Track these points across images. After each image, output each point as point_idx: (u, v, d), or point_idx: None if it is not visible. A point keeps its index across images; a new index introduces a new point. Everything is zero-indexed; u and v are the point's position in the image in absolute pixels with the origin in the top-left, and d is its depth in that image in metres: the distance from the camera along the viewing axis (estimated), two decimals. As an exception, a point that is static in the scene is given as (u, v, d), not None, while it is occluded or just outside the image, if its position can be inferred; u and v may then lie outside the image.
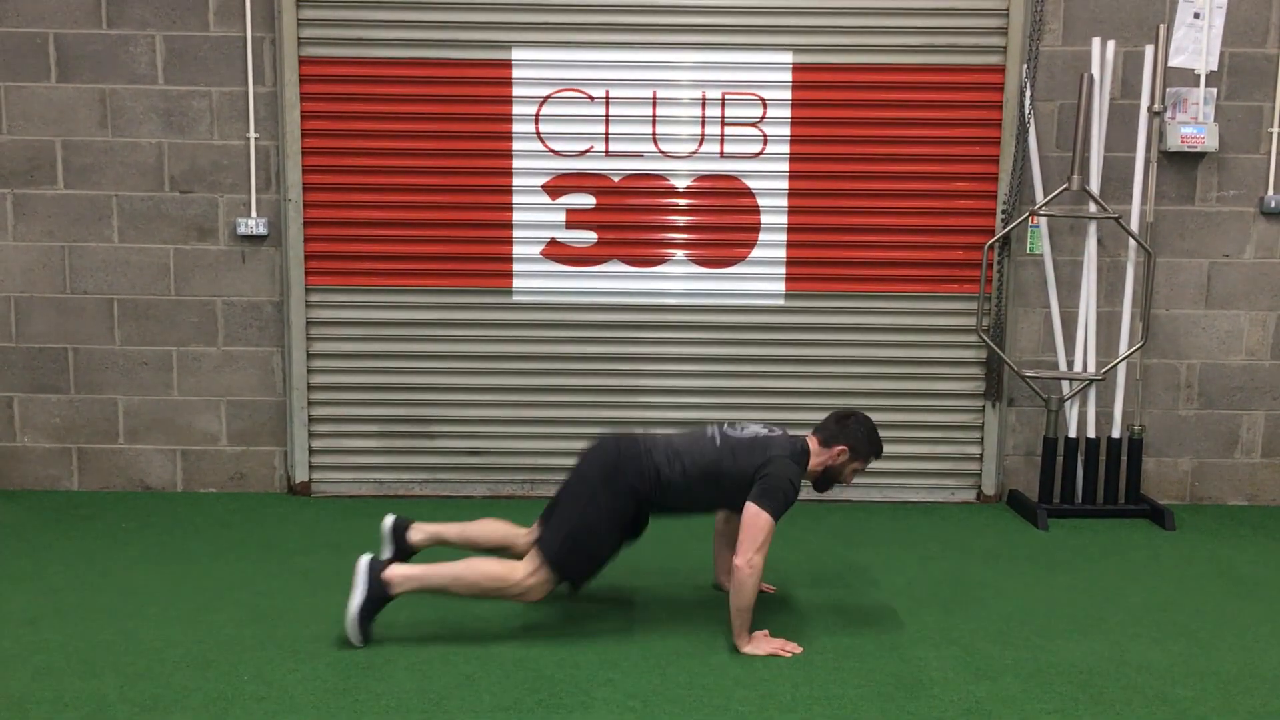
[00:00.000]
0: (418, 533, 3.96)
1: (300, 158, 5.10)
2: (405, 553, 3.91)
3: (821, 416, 5.27)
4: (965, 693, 3.33)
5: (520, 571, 3.60)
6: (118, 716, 3.11)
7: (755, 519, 3.53)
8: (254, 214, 5.14)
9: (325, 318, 5.23)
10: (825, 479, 3.81)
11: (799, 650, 3.60)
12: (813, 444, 3.78)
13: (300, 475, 5.29)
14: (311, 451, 5.31)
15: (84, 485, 5.32)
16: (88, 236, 5.15)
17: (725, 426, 3.79)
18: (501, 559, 3.72)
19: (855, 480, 3.90)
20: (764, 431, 3.76)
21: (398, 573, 3.59)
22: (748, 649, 3.59)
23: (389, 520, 3.98)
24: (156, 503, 5.16)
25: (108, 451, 5.29)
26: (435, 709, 3.17)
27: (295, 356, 5.21)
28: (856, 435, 3.76)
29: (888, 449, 5.28)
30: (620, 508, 3.65)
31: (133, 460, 5.31)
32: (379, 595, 3.57)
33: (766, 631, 3.68)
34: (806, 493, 5.29)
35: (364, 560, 3.60)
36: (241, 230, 5.13)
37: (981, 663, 3.54)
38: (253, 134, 5.09)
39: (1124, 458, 5.20)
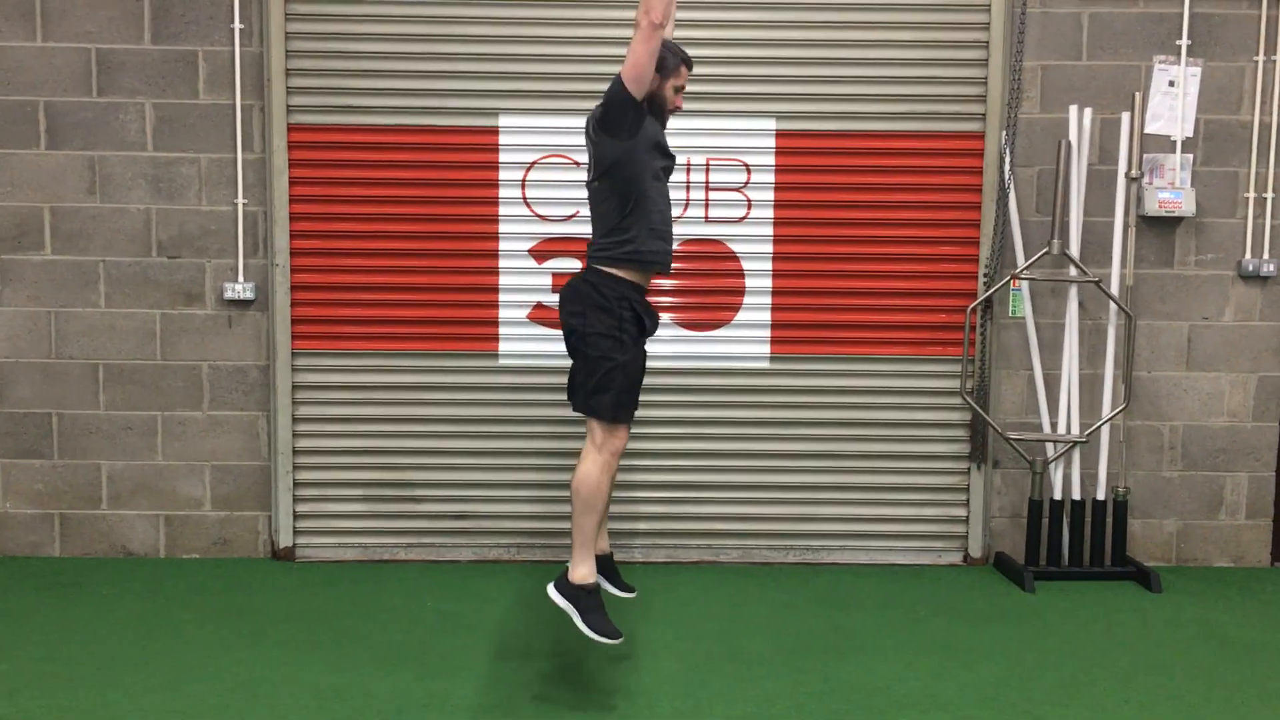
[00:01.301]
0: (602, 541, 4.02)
1: (288, 223, 5.13)
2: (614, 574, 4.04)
3: (808, 479, 5.33)
4: (954, 759, 3.31)
5: (587, 461, 3.68)
6: (97, 789, 3.06)
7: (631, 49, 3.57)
8: (241, 279, 5.16)
9: (311, 381, 5.23)
10: (657, 110, 3.81)
11: None
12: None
13: (285, 540, 5.26)
14: (296, 516, 5.28)
15: (66, 551, 5.27)
16: (74, 302, 5.16)
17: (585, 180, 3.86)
18: (581, 460, 3.74)
19: (683, 102, 3.90)
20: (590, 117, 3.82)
21: (571, 571, 3.69)
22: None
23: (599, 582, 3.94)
24: (139, 569, 5.11)
25: (90, 517, 5.26)
26: (420, 779, 3.14)
27: (281, 420, 5.20)
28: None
29: (874, 512, 5.36)
30: (612, 328, 3.68)
31: (115, 526, 5.27)
32: (584, 596, 3.65)
33: None
34: (789, 556, 5.31)
35: (550, 587, 3.70)
36: (229, 295, 5.14)
37: (970, 729, 3.53)
38: (241, 200, 5.12)
39: (1109, 519, 5.21)
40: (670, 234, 3.85)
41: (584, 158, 5.14)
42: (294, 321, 5.19)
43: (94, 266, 5.15)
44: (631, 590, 4.09)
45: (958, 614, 4.67)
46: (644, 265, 3.76)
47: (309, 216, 5.16)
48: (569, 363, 5.22)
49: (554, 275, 5.22)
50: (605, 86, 5.08)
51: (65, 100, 5.07)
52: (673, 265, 5.16)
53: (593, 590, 3.67)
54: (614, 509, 5.13)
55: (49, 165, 5.10)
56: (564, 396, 5.21)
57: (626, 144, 3.66)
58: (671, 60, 3.78)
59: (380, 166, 5.16)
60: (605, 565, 3.95)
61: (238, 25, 5.04)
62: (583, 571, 3.67)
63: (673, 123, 5.14)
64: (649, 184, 3.73)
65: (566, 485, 5.18)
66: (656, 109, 3.81)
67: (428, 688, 3.77)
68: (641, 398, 5.24)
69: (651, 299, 5.19)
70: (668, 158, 3.83)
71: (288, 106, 5.10)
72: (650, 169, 3.74)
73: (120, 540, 5.27)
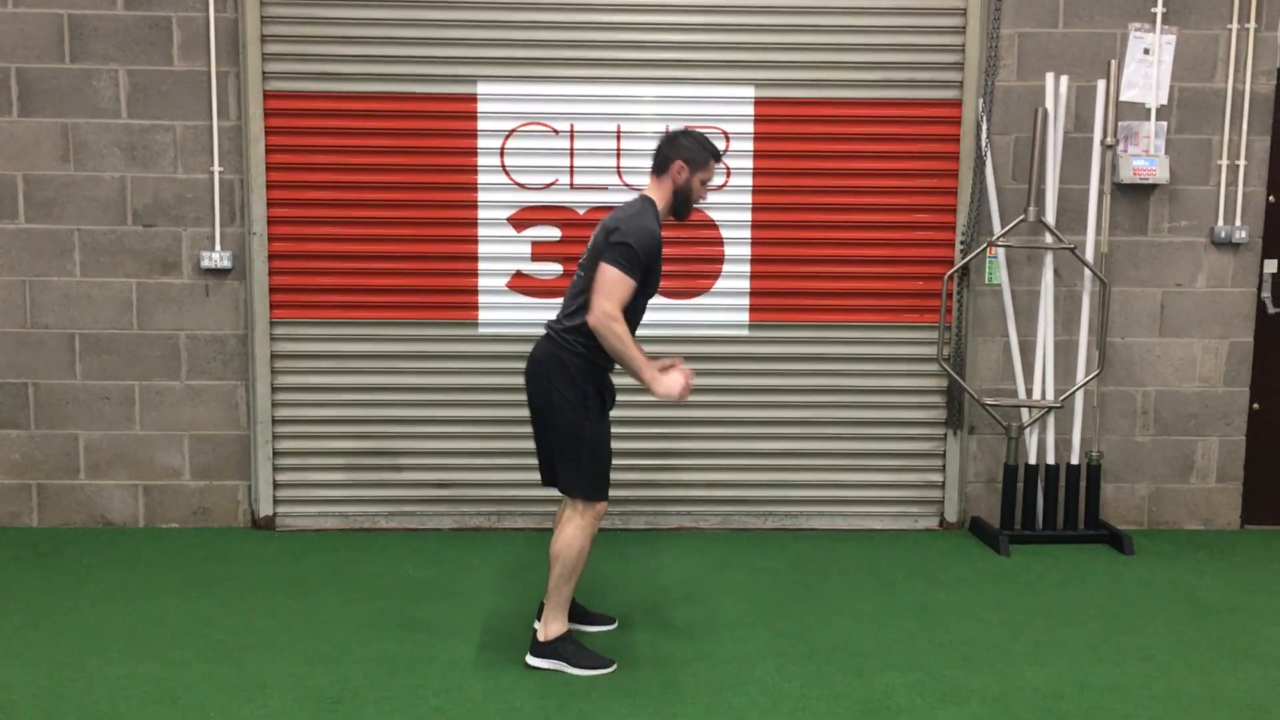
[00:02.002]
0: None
1: (265, 191, 5.11)
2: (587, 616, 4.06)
3: (786, 446, 5.37)
4: (931, 718, 3.37)
5: (570, 526, 3.67)
6: (83, 756, 3.08)
7: (601, 273, 3.53)
8: (218, 247, 5.13)
9: (290, 350, 5.22)
10: (681, 203, 3.78)
11: (692, 375, 3.68)
12: (651, 184, 3.77)
13: (265, 509, 5.26)
14: (276, 485, 5.28)
15: (44, 522, 5.26)
16: (49, 271, 5.12)
17: (580, 260, 3.79)
18: (561, 524, 3.74)
19: (706, 195, 3.88)
20: (608, 221, 3.73)
21: (543, 630, 3.72)
22: (659, 389, 3.62)
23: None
24: (118, 539, 5.11)
25: (68, 487, 5.24)
26: (405, 743, 3.17)
27: (260, 390, 5.19)
28: (686, 146, 3.74)
29: (851, 478, 5.40)
30: (578, 402, 3.66)
31: (94, 496, 5.26)
32: (561, 647, 3.69)
33: (677, 361, 3.77)
34: (768, 522, 5.36)
35: (529, 659, 3.72)
36: (205, 264, 5.11)
37: (947, 688, 3.58)
38: (217, 168, 5.09)
39: (1083, 483, 5.28)
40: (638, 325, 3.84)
41: (563, 125, 5.17)
42: (272, 290, 5.17)
43: (69, 235, 5.11)
44: (612, 621, 4.10)
45: (934, 577, 4.73)
46: (605, 357, 3.71)
47: (286, 185, 5.13)
48: (549, 330, 5.25)
49: (533, 243, 5.22)
50: (581, 54, 5.12)
51: (37, 67, 5.01)
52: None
53: (567, 637, 3.70)
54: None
55: (22, 133, 5.05)
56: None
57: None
58: (701, 155, 3.76)
59: (358, 134, 5.13)
60: (576, 610, 3.95)
61: (212, -9, 5.00)
62: (555, 629, 3.70)
63: (651, 90, 5.17)
64: (636, 295, 3.70)
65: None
66: (681, 201, 3.78)
67: (411, 652, 3.80)
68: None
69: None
70: (656, 285, 3.80)
71: (263, 73, 5.06)
72: (642, 291, 3.72)
73: (99, 510, 5.26)
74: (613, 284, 3.53)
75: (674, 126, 5.10)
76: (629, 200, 3.82)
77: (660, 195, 3.74)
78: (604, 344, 3.57)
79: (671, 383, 3.63)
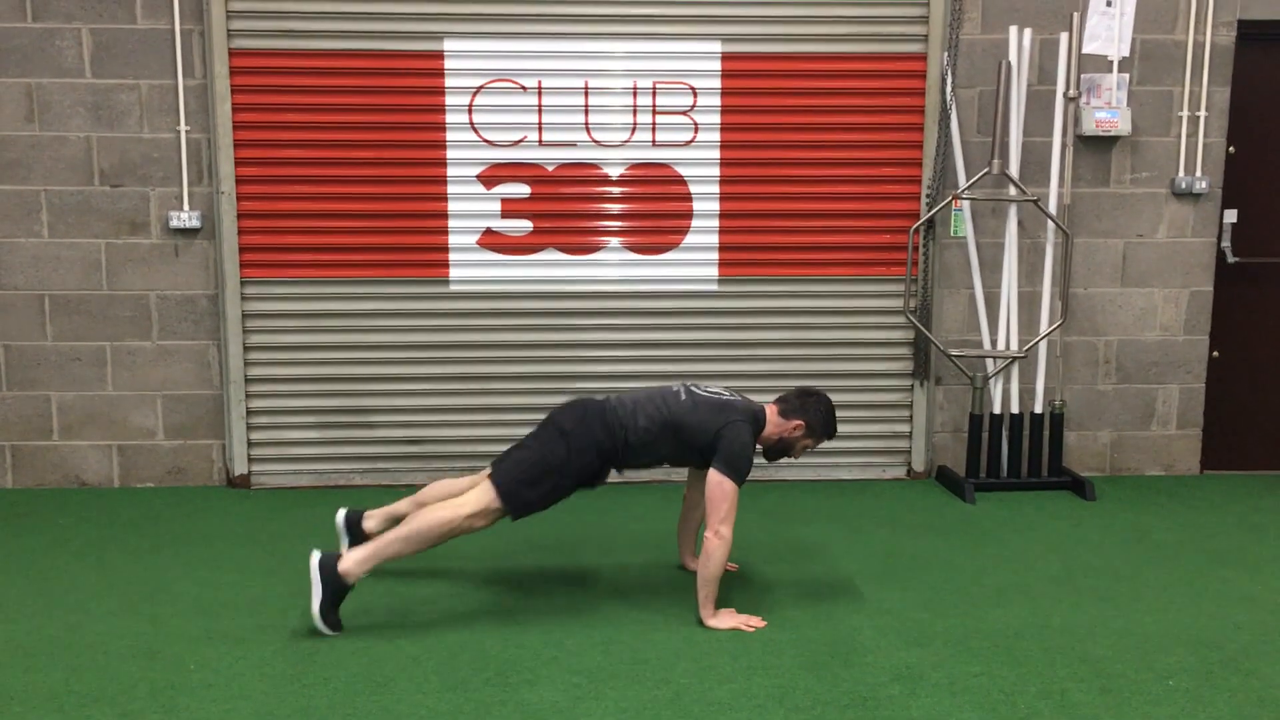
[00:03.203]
0: (371, 520, 4.05)
1: (232, 150, 5.10)
2: (359, 540, 3.96)
3: (756, 398, 5.42)
4: (896, 659, 3.46)
5: (468, 505, 3.64)
6: (65, 707, 3.12)
7: (719, 487, 3.63)
8: (186, 207, 5.13)
9: (261, 310, 5.24)
10: (777, 449, 3.92)
11: (762, 624, 3.70)
12: (770, 412, 3.88)
13: (239, 468, 5.30)
14: (250, 444, 5.31)
15: (18, 483, 5.28)
16: (16, 232, 5.11)
17: (692, 384, 3.89)
18: (445, 502, 3.74)
19: (802, 457, 4.01)
20: (727, 395, 3.86)
21: (351, 560, 3.62)
22: (712, 623, 3.69)
23: (341, 514, 4.05)
24: (93, 499, 5.14)
25: (42, 448, 5.26)
26: (383, 691, 3.23)
27: (232, 349, 5.21)
28: (815, 413, 3.87)
29: (821, 428, 5.45)
30: (582, 460, 3.71)
31: (68, 456, 5.27)
32: (338, 589, 3.61)
33: (733, 609, 3.78)
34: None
35: (315, 558, 3.61)
36: (174, 224, 5.11)
37: (912, 630, 3.68)
38: (183, 127, 5.07)
39: (1046, 432, 5.38)
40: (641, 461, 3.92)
41: (530, 82, 5.17)
42: (242, 250, 5.18)
43: (35, 196, 5.09)
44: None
45: (901, 525, 4.83)
46: (620, 453, 3.80)
47: (254, 144, 5.13)
48: (520, 288, 5.32)
49: (503, 200, 5.24)
50: (548, 10, 5.11)
51: (0, 26, 4.98)
52: (621, 189, 5.24)
53: (345, 589, 3.62)
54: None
55: (-15, 93, 5.02)
56: (514, 320, 5.31)
57: None
58: (821, 430, 3.88)
59: (325, 92, 5.12)
60: (364, 536, 3.98)
61: (174, -52, 4.96)
62: (350, 573, 3.60)
63: (619, 46, 5.19)
64: (673, 453, 3.84)
65: (518, 409, 5.28)
66: (779, 450, 3.91)
67: (387, 604, 3.86)
68: (593, 321, 5.34)
69: (598, 223, 5.28)
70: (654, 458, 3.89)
71: (228, 31, 5.04)
72: (682, 459, 3.88)
73: (73, 471, 5.28)
74: (732, 501, 3.64)
75: (641, 84, 5.17)
76: (743, 401, 3.87)
77: (770, 429, 3.85)
78: (708, 561, 3.65)
79: (725, 620, 3.71)
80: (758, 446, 3.84)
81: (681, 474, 5.41)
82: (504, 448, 5.20)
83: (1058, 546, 4.56)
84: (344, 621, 3.68)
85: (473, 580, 4.12)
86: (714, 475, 3.65)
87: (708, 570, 3.67)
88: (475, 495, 3.68)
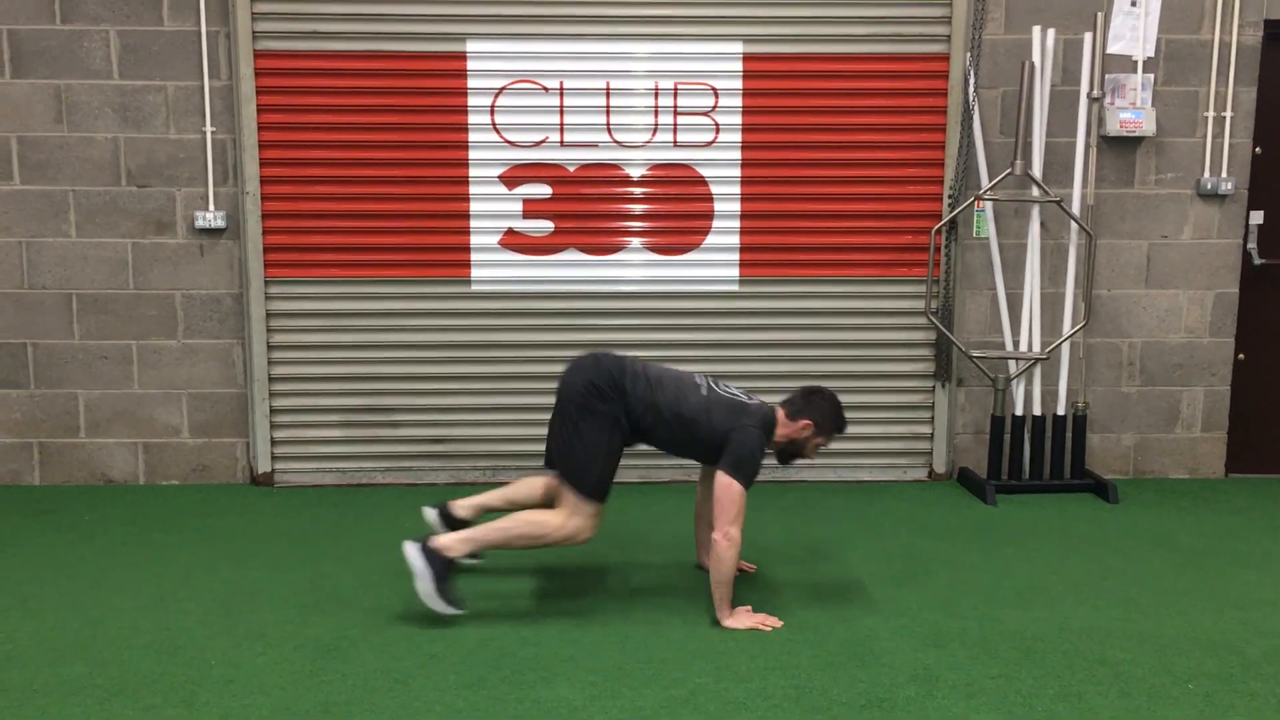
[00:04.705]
0: (462, 509, 4.08)
1: (257, 150, 5.14)
2: (457, 529, 4.00)
3: (775, 399, 5.42)
4: (914, 660, 3.46)
5: (557, 518, 3.71)
6: (87, 701, 3.16)
7: (728, 490, 3.63)
8: (212, 207, 5.18)
9: (285, 309, 5.28)
10: (788, 452, 3.91)
11: (779, 624, 3.71)
12: (780, 415, 3.88)
13: (263, 466, 5.34)
14: (274, 442, 5.36)
15: (46, 480, 5.34)
16: (45, 232, 5.17)
17: (713, 381, 3.91)
18: (544, 509, 3.81)
19: (816, 457, 4.01)
20: (743, 398, 3.87)
21: (448, 539, 3.70)
22: (729, 622, 3.70)
23: (430, 511, 4.09)
24: (119, 495, 5.19)
25: (69, 446, 5.32)
26: (401, 688, 3.25)
27: (256, 348, 5.25)
28: (822, 410, 3.86)
29: (840, 430, 5.44)
30: (607, 426, 3.72)
31: (94, 454, 5.33)
32: (442, 565, 3.66)
33: (749, 607, 3.79)
34: (764, 473, 5.43)
35: (411, 547, 3.67)
36: (200, 223, 5.16)
37: (930, 632, 3.67)
38: (209, 128, 5.12)
39: (1069, 434, 5.35)
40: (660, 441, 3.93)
41: (552, 83, 5.19)
42: (266, 249, 5.22)
43: (64, 196, 5.15)
44: (479, 557, 4.04)
45: (921, 526, 4.82)
46: (640, 423, 3.81)
47: (278, 144, 5.17)
48: (541, 288, 5.33)
49: (524, 201, 5.26)
50: (571, 11, 5.12)
51: (29, 28, 5.03)
52: (642, 190, 5.25)
53: (451, 564, 3.68)
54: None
55: (14, 94, 5.08)
56: (536, 320, 5.33)
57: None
58: (830, 426, 3.85)
59: (349, 93, 5.16)
60: (458, 523, 4.04)
61: (201, -50, 5.01)
62: (452, 551, 3.67)
63: (641, 47, 5.20)
64: (687, 444, 3.86)
65: (540, 408, 5.29)
66: (790, 452, 3.89)
67: (406, 602, 3.88)
68: (614, 321, 5.36)
69: (619, 223, 5.29)
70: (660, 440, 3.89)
71: (254, 33, 5.08)
72: (690, 452, 3.90)
73: (100, 468, 5.34)
74: (739, 504, 3.64)
75: (663, 85, 5.18)
76: (756, 403, 3.86)
77: (780, 432, 3.83)
78: (718, 563, 3.66)
79: (742, 619, 3.72)
80: (769, 450, 3.83)
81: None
82: (525, 447, 5.30)
83: (1079, 549, 4.53)
84: (361, 618, 3.71)
85: (491, 578, 4.14)
86: (722, 478, 3.66)
87: (720, 572, 3.68)
88: (562, 511, 3.71)
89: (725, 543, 3.63)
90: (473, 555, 3.79)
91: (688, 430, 3.76)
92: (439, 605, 3.65)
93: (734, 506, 3.63)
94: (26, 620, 3.75)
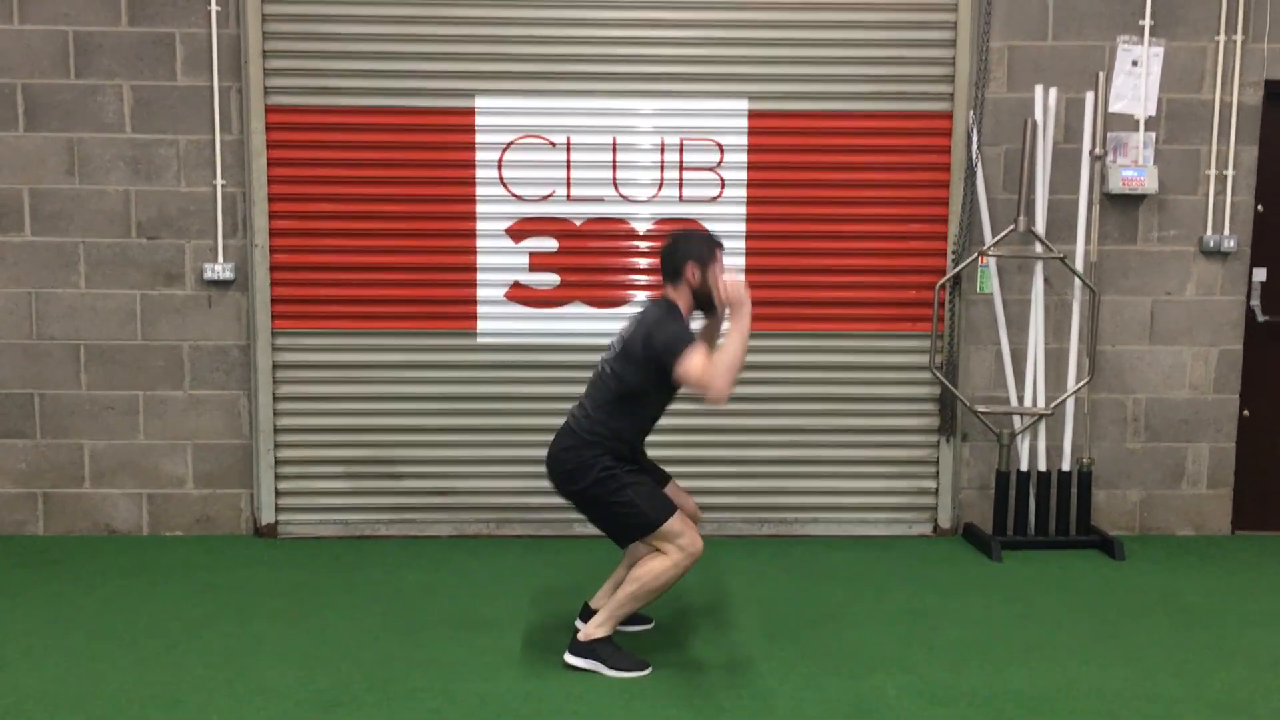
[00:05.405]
0: (595, 602, 4.04)
1: (267, 204, 5.19)
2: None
3: (781, 453, 5.43)
4: (919, 718, 3.43)
5: (667, 559, 3.69)
6: (88, 756, 3.15)
7: (685, 371, 3.56)
8: (221, 259, 5.22)
9: (291, 360, 5.30)
10: (704, 301, 3.82)
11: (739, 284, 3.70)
12: (668, 292, 3.82)
13: (267, 517, 5.34)
14: (278, 493, 5.35)
15: (49, 529, 5.33)
16: (54, 283, 5.21)
17: (604, 355, 3.89)
18: (651, 557, 3.76)
19: (724, 284, 3.83)
20: (623, 331, 3.84)
21: (589, 626, 3.80)
22: (738, 296, 3.67)
23: (579, 622, 4.04)
24: (122, 546, 5.18)
25: (73, 496, 5.32)
26: (403, 744, 3.24)
27: (262, 399, 5.26)
28: (688, 247, 3.79)
29: (846, 485, 5.47)
30: (607, 478, 3.72)
31: (98, 504, 5.33)
32: (600, 648, 3.76)
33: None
34: (763, 529, 5.42)
35: (570, 657, 3.79)
36: (208, 275, 5.19)
37: (936, 690, 3.64)
38: (219, 181, 5.17)
39: (1074, 490, 5.34)
40: (652, 429, 3.94)
41: (560, 138, 5.24)
42: (274, 301, 5.25)
43: (74, 247, 5.20)
44: (649, 621, 4.18)
45: (926, 582, 4.79)
46: (630, 448, 3.84)
47: (288, 197, 5.22)
48: (547, 341, 5.36)
49: (530, 254, 5.29)
50: (578, 68, 5.19)
51: (43, 82, 5.10)
52: (648, 244, 5.28)
53: (608, 640, 3.78)
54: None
55: (28, 147, 5.14)
56: (541, 373, 5.35)
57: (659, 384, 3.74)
58: (706, 249, 3.80)
59: (358, 148, 5.22)
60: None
61: (214, 7, 5.08)
62: (599, 633, 3.77)
63: (648, 103, 5.25)
64: (657, 401, 3.84)
65: (543, 461, 5.29)
66: (704, 299, 3.81)
67: (410, 655, 3.86)
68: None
69: (625, 276, 5.32)
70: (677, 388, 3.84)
71: (265, 88, 5.14)
72: (667, 394, 3.84)
73: (103, 518, 5.34)
74: (697, 365, 3.56)
75: (669, 140, 5.24)
76: (647, 304, 3.89)
77: (681, 299, 3.80)
78: (729, 386, 3.59)
79: (737, 289, 3.69)
80: (691, 317, 3.80)
81: (705, 527, 5.42)
82: (529, 500, 5.30)
83: (1085, 607, 4.51)
84: (364, 673, 3.69)
85: (491, 631, 4.12)
86: (676, 369, 3.58)
87: (733, 376, 3.56)
88: (665, 548, 3.71)
89: (720, 394, 3.53)
90: (637, 621, 3.95)
91: (633, 398, 3.74)
92: (630, 675, 3.72)
93: (695, 371, 3.55)
94: (28, 672, 3.73)
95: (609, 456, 3.74)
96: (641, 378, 3.71)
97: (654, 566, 3.71)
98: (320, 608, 4.39)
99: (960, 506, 5.51)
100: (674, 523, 3.69)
